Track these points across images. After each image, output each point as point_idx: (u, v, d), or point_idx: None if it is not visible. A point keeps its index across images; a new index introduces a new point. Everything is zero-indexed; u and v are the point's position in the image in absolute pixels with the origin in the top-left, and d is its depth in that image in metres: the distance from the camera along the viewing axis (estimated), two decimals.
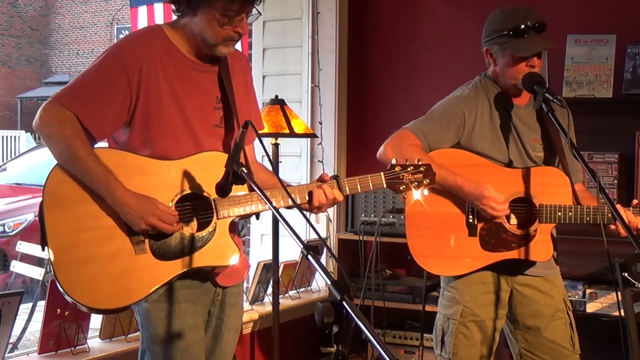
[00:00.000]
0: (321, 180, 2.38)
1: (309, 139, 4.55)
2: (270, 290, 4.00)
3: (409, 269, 4.54)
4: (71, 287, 2.19)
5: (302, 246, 1.79)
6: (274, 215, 1.94)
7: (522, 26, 2.71)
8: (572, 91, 4.07)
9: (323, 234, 4.59)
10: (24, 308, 3.95)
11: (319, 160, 4.62)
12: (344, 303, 1.64)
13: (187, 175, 2.29)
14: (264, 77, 4.75)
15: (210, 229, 2.29)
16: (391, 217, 4.34)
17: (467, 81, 2.94)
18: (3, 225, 7.36)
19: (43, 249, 2.21)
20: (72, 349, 3.07)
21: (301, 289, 4.44)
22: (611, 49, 4.04)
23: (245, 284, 3.63)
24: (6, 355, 2.93)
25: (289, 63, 4.70)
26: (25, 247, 4.71)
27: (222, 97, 2.40)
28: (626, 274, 2.95)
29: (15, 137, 16.99)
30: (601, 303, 3.79)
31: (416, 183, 2.44)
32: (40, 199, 2.21)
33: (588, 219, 2.71)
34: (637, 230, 2.68)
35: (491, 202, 2.71)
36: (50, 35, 22.08)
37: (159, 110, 2.29)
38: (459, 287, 2.85)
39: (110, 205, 2.21)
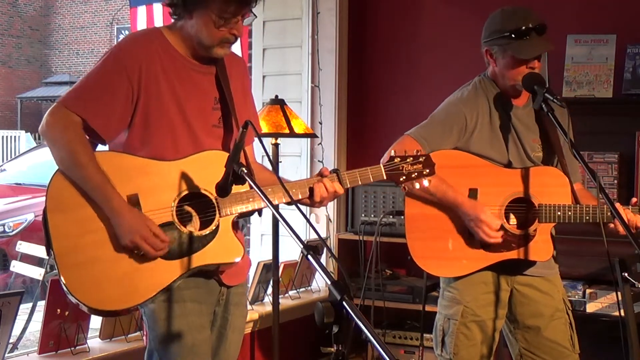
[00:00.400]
0: (321, 174, 2.38)
1: (309, 139, 4.55)
2: (270, 290, 4.00)
3: (409, 269, 4.54)
4: (77, 289, 2.19)
5: (302, 246, 1.79)
6: (274, 215, 1.94)
7: (524, 28, 2.70)
8: (572, 91, 4.07)
9: (323, 234, 4.59)
10: (24, 308, 3.94)
11: (319, 160, 4.62)
12: (344, 303, 1.64)
13: (188, 174, 2.29)
14: (263, 77, 4.75)
15: (213, 227, 2.29)
16: (391, 217, 4.34)
17: (467, 81, 2.93)
18: (3, 225, 7.36)
19: (48, 253, 2.22)
20: (72, 349, 3.08)
21: (301, 289, 4.43)
22: (611, 49, 4.04)
23: None
24: (6, 355, 2.93)
25: (289, 63, 4.70)
26: (25, 247, 4.71)
27: (220, 97, 2.42)
28: (626, 274, 2.95)
29: (15, 137, 17.00)
30: (601, 303, 3.79)
31: (416, 173, 2.43)
32: (40, 199, 2.23)
33: (587, 218, 2.71)
34: (637, 229, 2.68)
35: (485, 227, 2.72)
36: (50, 35, 22.08)
37: (159, 111, 2.31)
38: (460, 288, 2.85)
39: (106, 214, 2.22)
